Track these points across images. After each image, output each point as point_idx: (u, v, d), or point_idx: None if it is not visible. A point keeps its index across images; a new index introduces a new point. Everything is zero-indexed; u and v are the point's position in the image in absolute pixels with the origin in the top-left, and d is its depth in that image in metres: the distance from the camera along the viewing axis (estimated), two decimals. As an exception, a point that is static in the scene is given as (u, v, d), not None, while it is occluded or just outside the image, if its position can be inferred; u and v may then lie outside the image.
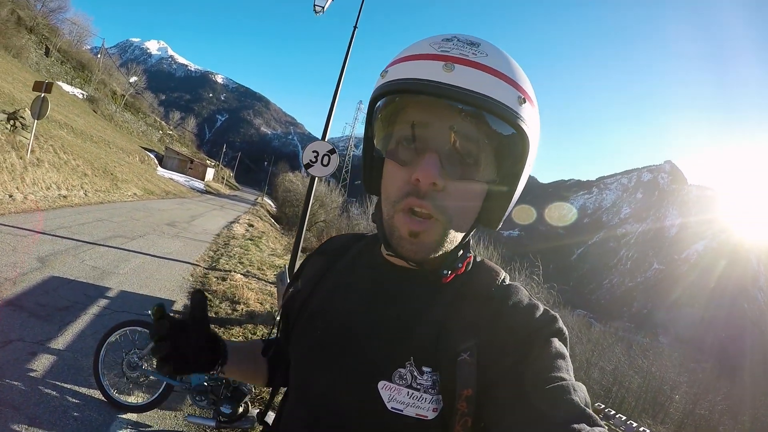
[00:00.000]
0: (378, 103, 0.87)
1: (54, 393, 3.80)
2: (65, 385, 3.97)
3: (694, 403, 33.78)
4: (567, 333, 0.85)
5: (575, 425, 0.64)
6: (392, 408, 0.81)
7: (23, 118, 14.97)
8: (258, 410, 4.39)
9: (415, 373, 0.82)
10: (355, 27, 10.84)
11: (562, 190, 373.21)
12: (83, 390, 3.99)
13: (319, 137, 9.73)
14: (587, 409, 0.69)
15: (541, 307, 0.87)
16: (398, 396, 0.81)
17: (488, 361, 0.79)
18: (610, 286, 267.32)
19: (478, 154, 0.81)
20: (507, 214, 0.92)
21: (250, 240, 17.31)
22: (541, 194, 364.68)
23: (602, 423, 0.66)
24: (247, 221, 24.91)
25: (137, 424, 3.78)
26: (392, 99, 0.84)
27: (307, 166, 8.48)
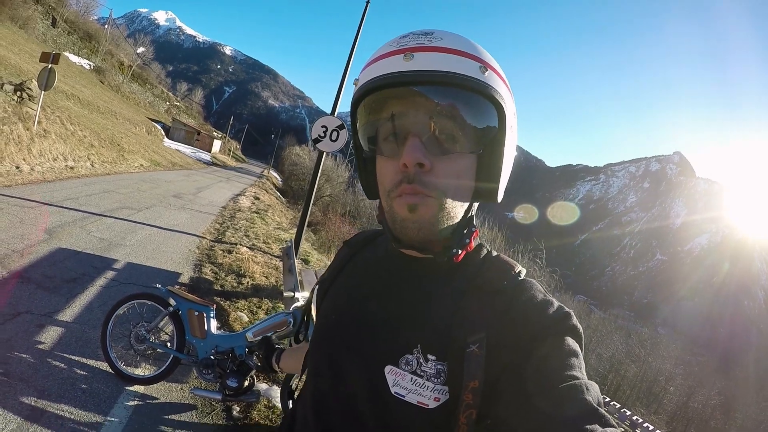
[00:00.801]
0: (357, 109, 0.90)
1: (62, 365, 3.85)
2: (73, 357, 4.02)
3: (688, 396, 34.11)
4: (582, 331, 0.85)
5: (588, 426, 0.64)
6: (395, 393, 0.83)
7: (30, 89, 14.89)
8: (266, 386, 4.49)
9: (421, 360, 0.83)
10: (367, 1, 10.72)
11: (569, 174, 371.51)
12: (91, 362, 4.04)
13: (328, 112, 9.69)
14: (600, 408, 0.68)
15: (555, 304, 0.88)
16: (402, 381, 0.83)
17: (497, 355, 0.80)
18: (612, 274, 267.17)
19: (456, 128, 0.82)
20: (502, 184, 0.93)
21: (256, 213, 17.36)
22: (548, 178, 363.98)
23: (615, 423, 0.66)
24: (253, 194, 24.98)
25: (144, 396, 3.83)
26: (368, 101, 0.87)
27: (316, 141, 8.46)
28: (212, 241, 10.24)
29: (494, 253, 1.00)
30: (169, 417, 3.71)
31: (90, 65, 58.75)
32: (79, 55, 58.50)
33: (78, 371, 3.86)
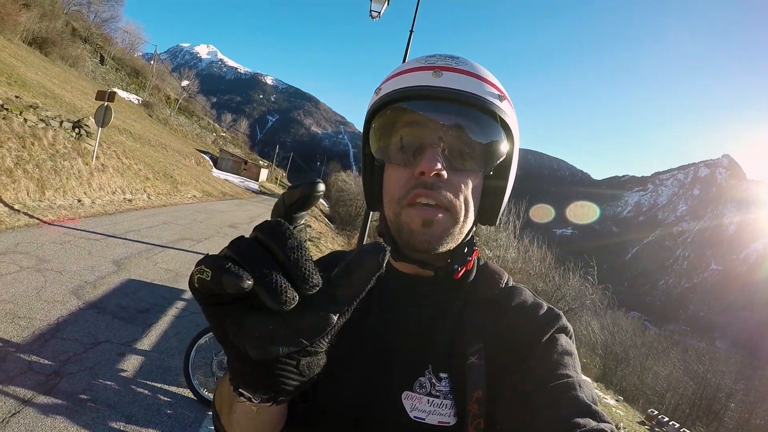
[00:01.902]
0: (376, 116, 0.91)
1: (146, 392, 4.03)
2: (156, 384, 4.20)
3: (750, 413, 32.75)
4: (572, 329, 0.88)
5: (580, 420, 0.65)
6: (415, 417, 0.82)
7: (87, 126, 15.52)
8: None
9: (434, 380, 0.84)
10: (411, 31, 10.85)
11: (616, 186, 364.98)
12: (173, 389, 4.23)
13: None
14: (593, 405, 0.69)
15: (545, 306, 0.91)
16: (419, 405, 0.83)
17: (496, 363, 0.82)
18: (666, 287, 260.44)
19: (471, 149, 0.85)
20: (502, 209, 0.95)
21: (310, 241, 17.54)
22: (594, 191, 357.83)
23: (610, 420, 0.67)
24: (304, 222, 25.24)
25: None
26: (390, 110, 0.89)
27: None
28: (272, 269, 10.40)
29: (482, 262, 1.02)
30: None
31: (138, 100, 60.81)
32: (127, 91, 60.60)
33: (162, 397, 4.03)
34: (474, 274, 0.97)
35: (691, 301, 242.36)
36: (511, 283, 0.97)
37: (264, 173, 74.97)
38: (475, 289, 0.94)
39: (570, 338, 0.87)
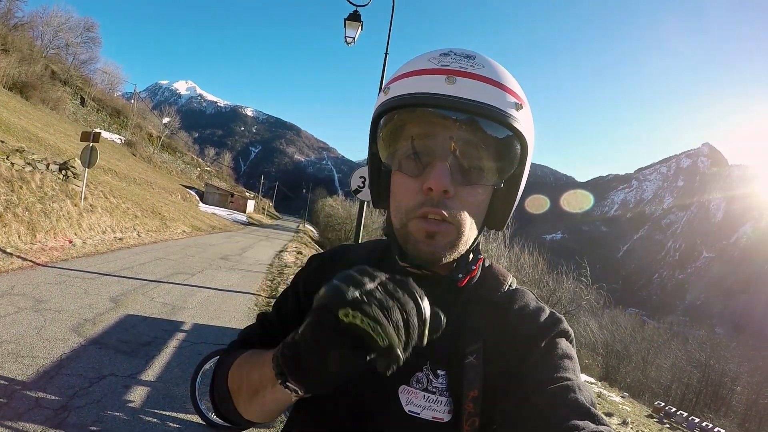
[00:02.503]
0: (383, 119, 0.89)
1: (155, 420, 4.07)
2: (164, 413, 4.24)
3: (757, 393, 32.86)
4: (573, 334, 0.89)
5: (579, 422, 0.66)
6: (410, 411, 0.83)
7: (74, 167, 15.61)
8: None
9: (431, 377, 0.85)
10: (386, 53, 11.02)
11: (601, 186, 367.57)
12: (181, 416, 4.26)
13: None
14: (592, 408, 0.70)
15: (547, 310, 0.91)
16: (415, 399, 0.84)
17: (494, 363, 0.83)
18: (660, 280, 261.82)
19: (482, 159, 0.84)
20: (511, 214, 0.94)
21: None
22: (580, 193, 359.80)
23: (609, 423, 0.68)
24: (294, 249, 25.38)
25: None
26: (397, 114, 0.87)
27: (356, 191, 8.74)
28: (267, 297, 10.54)
29: (487, 263, 1.02)
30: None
31: (121, 139, 60.64)
32: (109, 131, 60.29)
33: (171, 424, 4.08)
34: (478, 277, 0.98)
35: (687, 291, 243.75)
36: (514, 286, 0.98)
37: (251, 204, 75.01)
38: (478, 290, 0.94)
39: (571, 342, 0.88)
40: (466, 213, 0.84)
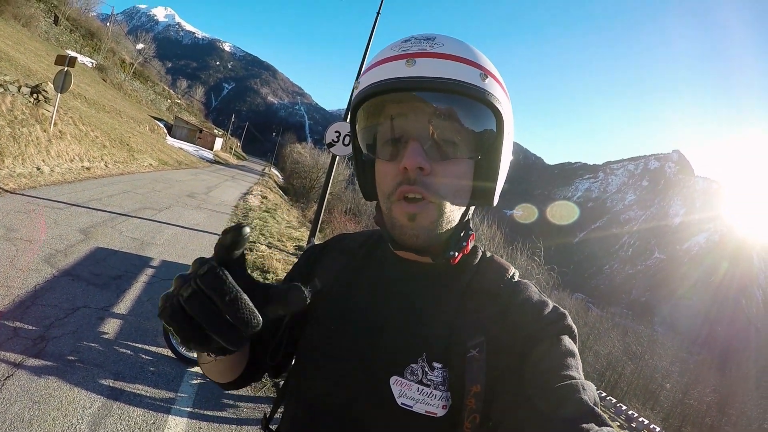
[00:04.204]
0: (357, 112, 0.92)
1: (129, 352, 4.37)
2: (137, 345, 4.54)
3: (684, 393, 34.64)
4: (576, 331, 0.86)
5: (584, 424, 0.64)
6: (402, 404, 0.82)
7: (46, 91, 15.15)
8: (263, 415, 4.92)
9: (426, 369, 0.83)
10: (378, 13, 11.22)
11: (567, 172, 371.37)
12: (153, 348, 4.57)
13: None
14: (596, 408, 0.68)
15: (551, 304, 0.89)
16: (408, 392, 0.82)
17: (496, 358, 0.81)
18: (610, 272, 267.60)
19: (456, 134, 0.84)
20: (498, 188, 0.93)
21: (267, 212, 17.79)
22: (546, 175, 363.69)
23: (611, 423, 0.66)
24: (260, 192, 25.53)
25: (205, 375, 4.33)
26: (368, 105, 0.89)
27: (330, 145, 8.95)
28: (233, 240, 10.70)
29: (488, 254, 1.02)
30: (229, 391, 4.21)
31: (92, 63, 58.83)
32: (81, 53, 58.26)
33: (144, 356, 4.38)
34: (476, 264, 0.97)
35: (633, 287, 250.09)
36: (516, 278, 0.95)
37: (219, 142, 74.02)
38: (477, 280, 0.93)
39: (573, 339, 0.85)
40: (446, 189, 0.85)
